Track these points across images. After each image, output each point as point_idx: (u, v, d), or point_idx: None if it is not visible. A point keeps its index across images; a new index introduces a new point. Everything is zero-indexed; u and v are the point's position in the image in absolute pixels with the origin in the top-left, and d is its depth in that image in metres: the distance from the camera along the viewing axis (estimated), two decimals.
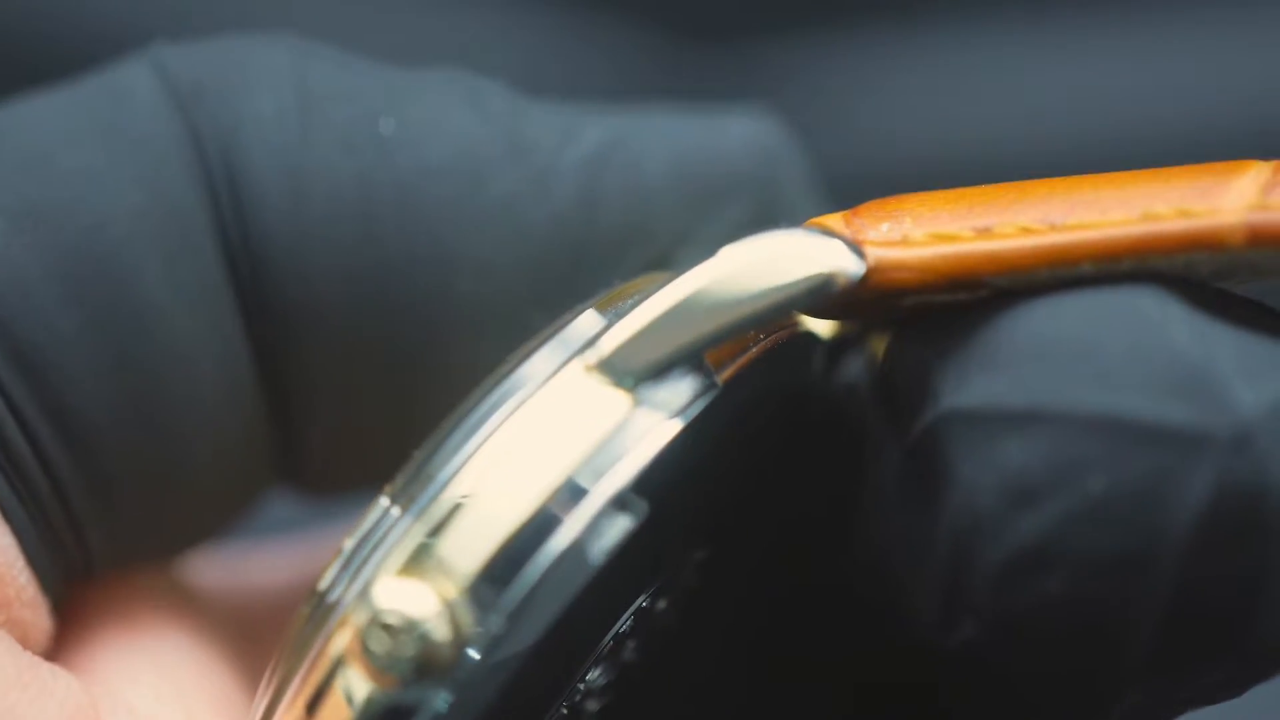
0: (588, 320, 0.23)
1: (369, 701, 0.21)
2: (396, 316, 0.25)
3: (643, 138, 0.26)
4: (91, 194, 0.24)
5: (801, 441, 0.25)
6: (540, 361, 0.22)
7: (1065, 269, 0.22)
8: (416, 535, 0.21)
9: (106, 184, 0.24)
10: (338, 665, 0.22)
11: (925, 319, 0.22)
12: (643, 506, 0.21)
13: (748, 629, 0.26)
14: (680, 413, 0.22)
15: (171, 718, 0.25)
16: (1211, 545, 0.20)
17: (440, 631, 0.21)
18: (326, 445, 0.26)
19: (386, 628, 0.21)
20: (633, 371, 0.22)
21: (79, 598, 0.26)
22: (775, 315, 0.22)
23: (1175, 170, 0.22)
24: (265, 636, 0.28)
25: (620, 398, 0.22)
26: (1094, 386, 0.21)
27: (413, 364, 0.25)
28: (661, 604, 0.24)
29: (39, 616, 0.25)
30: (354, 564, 0.22)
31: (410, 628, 0.21)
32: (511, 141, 0.25)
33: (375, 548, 0.22)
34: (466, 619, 0.21)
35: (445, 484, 0.22)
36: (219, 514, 0.26)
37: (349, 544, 0.22)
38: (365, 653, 0.21)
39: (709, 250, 0.22)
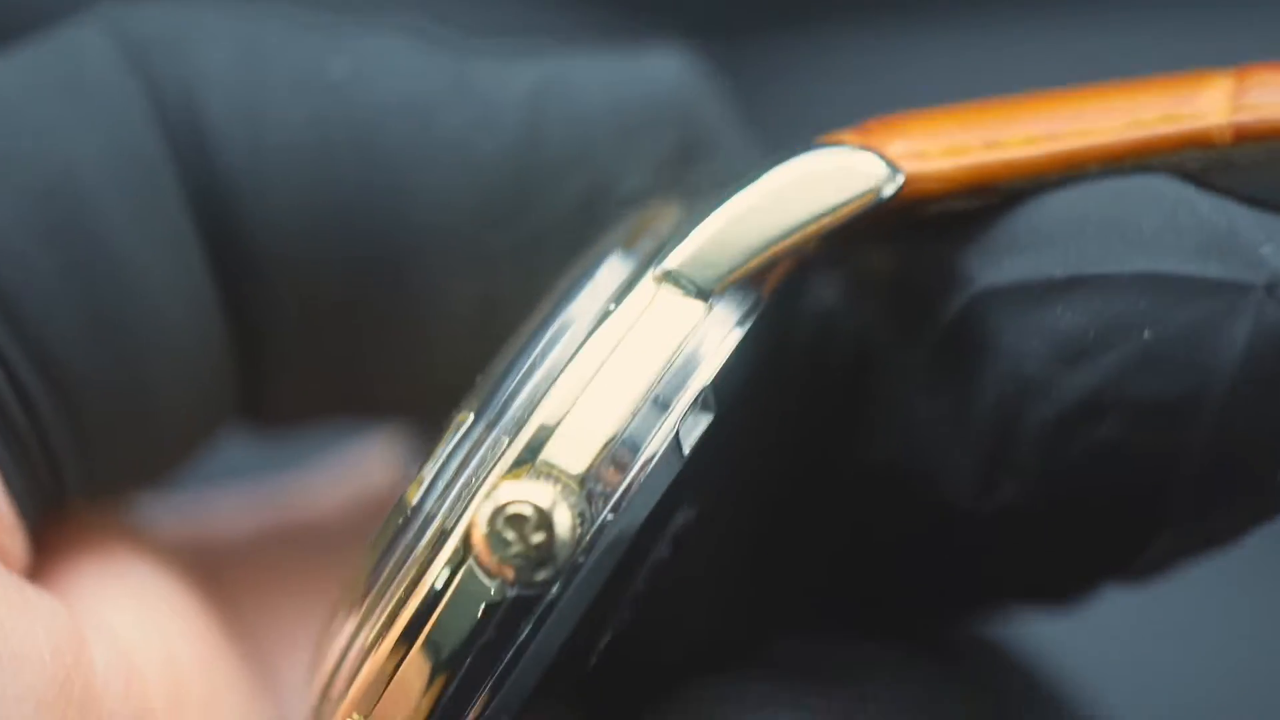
0: (615, 266, 0.24)
1: (493, 598, 0.22)
2: (356, 249, 0.26)
3: (578, 74, 0.27)
4: (57, 143, 0.25)
5: (793, 358, 0.26)
6: (609, 274, 0.24)
7: (1074, 171, 0.24)
8: (523, 440, 0.23)
9: (70, 133, 0.25)
10: (458, 564, 0.23)
11: (936, 224, 0.24)
12: (715, 408, 0.23)
13: (756, 527, 0.27)
14: (741, 322, 0.24)
15: (150, 641, 0.26)
16: (1251, 383, 0.22)
17: (561, 523, 0.22)
18: (289, 379, 0.27)
19: (512, 519, 0.22)
20: (705, 281, 0.23)
21: (52, 532, 0.27)
22: (835, 227, 0.24)
23: (1146, 83, 0.24)
24: (228, 577, 0.30)
25: (694, 306, 0.23)
26: (1133, 252, 0.23)
27: (373, 294, 0.27)
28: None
29: (16, 543, 0.26)
30: (446, 479, 0.23)
31: (535, 519, 0.22)
32: (458, 80, 0.27)
33: (473, 460, 0.23)
34: (581, 511, 0.22)
35: (544, 393, 0.23)
36: (183, 447, 0.27)
37: (431, 466, 0.24)
38: (490, 546, 0.22)
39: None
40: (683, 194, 0.27)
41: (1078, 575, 0.26)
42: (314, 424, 0.29)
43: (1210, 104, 0.24)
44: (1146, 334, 0.23)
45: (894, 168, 0.24)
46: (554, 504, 0.23)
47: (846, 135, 0.25)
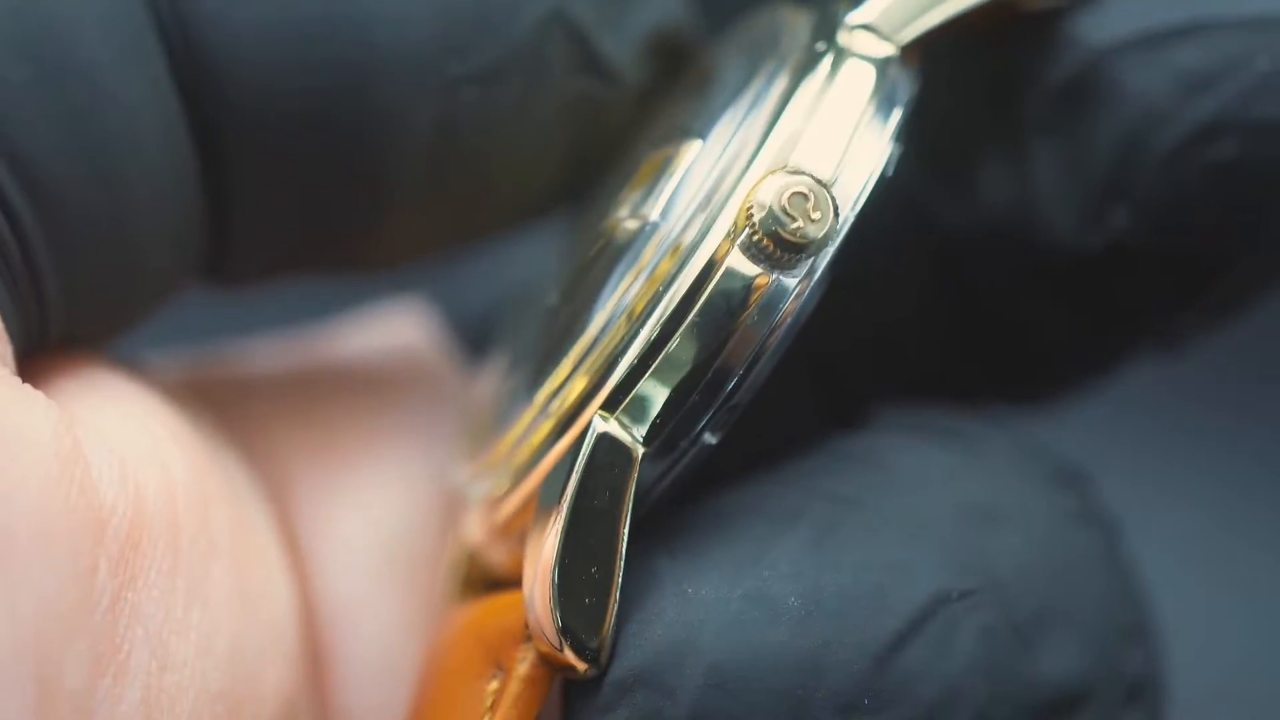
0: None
1: (760, 277, 0.25)
2: (318, 70, 0.27)
3: None
4: None
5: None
6: (802, 33, 0.27)
7: None
8: (773, 146, 0.25)
9: None
10: (722, 251, 0.25)
11: (1023, 22, 0.27)
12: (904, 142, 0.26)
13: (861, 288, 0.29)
14: (914, 79, 0.26)
15: (134, 439, 0.26)
16: None
17: (829, 206, 0.25)
18: (255, 207, 0.28)
19: (794, 197, 0.24)
20: (895, 32, 0.26)
21: (38, 365, 0.27)
22: (989, 4, 0.26)
23: None
24: (253, 408, 0.30)
25: (889, 49, 0.26)
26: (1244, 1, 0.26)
27: (334, 117, 0.27)
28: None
29: (6, 349, 0.26)
30: (693, 191, 0.26)
31: (814, 197, 0.24)
32: None
33: (715, 174, 0.25)
34: (835, 206, 0.25)
35: (779, 114, 0.25)
36: (156, 286, 0.28)
37: (670, 180, 0.26)
38: (767, 224, 0.24)
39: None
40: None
41: (1149, 317, 0.29)
42: (275, 277, 0.30)
43: None
44: (1264, 63, 0.26)
45: None
46: (817, 190, 0.25)
47: None
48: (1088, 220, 0.27)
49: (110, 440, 0.26)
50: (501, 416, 0.28)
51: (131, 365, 0.29)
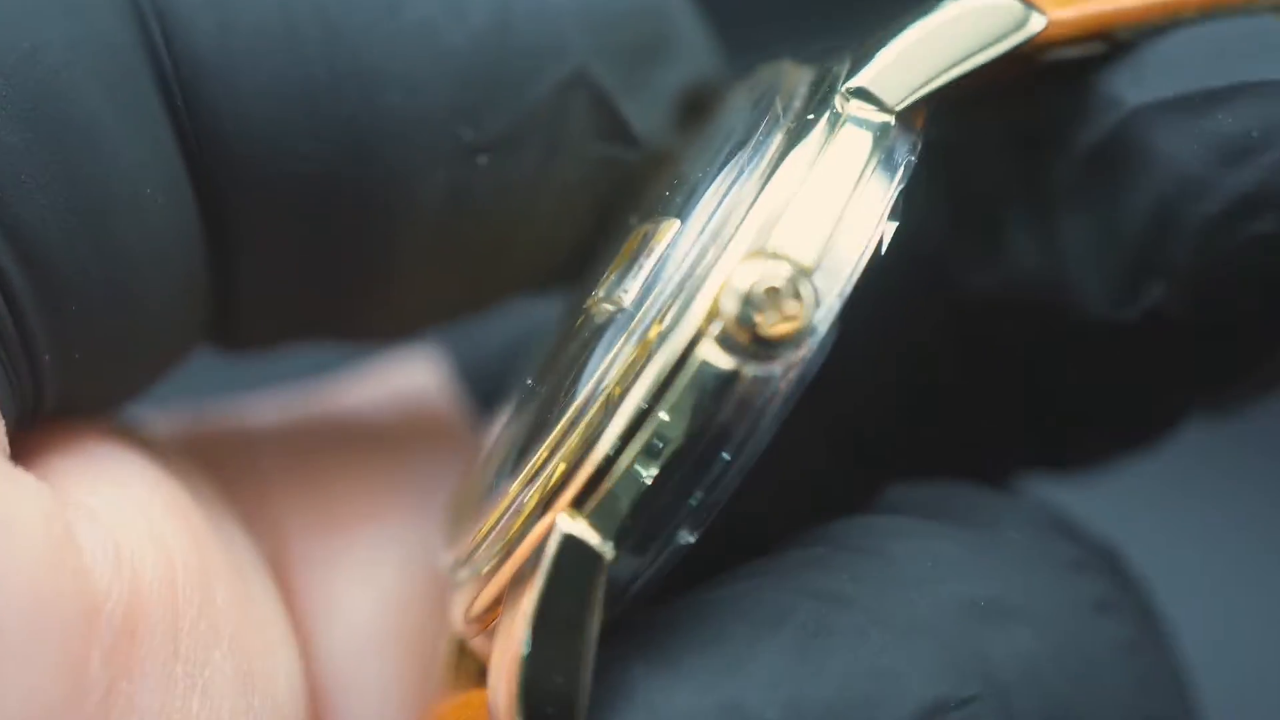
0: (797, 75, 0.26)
1: (733, 373, 0.23)
2: (324, 133, 0.26)
3: None
4: (25, 24, 0.25)
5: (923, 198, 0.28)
6: (798, 96, 0.26)
7: (1175, 17, 0.26)
8: (750, 230, 0.24)
9: (39, 16, 0.25)
10: (693, 344, 0.23)
11: (1047, 73, 0.26)
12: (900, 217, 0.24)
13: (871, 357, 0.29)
14: (915, 144, 0.25)
15: (131, 520, 0.25)
16: None
17: (808, 297, 0.23)
18: (259, 272, 0.27)
19: (768, 292, 0.23)
20: (892, 97, 0.25)
21: (30, 440, 0.26)
22: (998, 60, 0.25)
23: None
24: (259, 466, 0.30)
25: (884, 117, 0.25)
26: None
27: (341, 182, 0.26)
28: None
29: None
30: (668, 276, 0.24)
31: (787, 289, 0.23)
32: None
33: (690, 258, 0.24)
34: (816, 292, 0.23)
35: (759, 193, 0.24)
36: (159, 353, 0.27)
37: (635, 269, 0.25)
38: (740, 318, 0.23)
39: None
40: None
41: (1187, 391, 0.28)
42: (282, 342, 0.29)
43: None
44: None
45: (1038, 9, 0.25)
46: (796, 280, 0.23)
47: None
48: (1121, 292, 0.26)
49: (105, 522, 0.25)
50: (483, 498, 0.26)
51: (129, 427, 0.28)
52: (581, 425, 0.24)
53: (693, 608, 0.24)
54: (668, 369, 0.23)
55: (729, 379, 0.23)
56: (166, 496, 0.26)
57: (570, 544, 0.23)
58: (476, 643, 0.26)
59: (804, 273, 0.23)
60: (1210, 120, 0.25)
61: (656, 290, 0.24)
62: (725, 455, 0.23)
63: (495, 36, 0.26)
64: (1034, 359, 0.28)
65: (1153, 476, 0.36)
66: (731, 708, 0.23)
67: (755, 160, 0.25)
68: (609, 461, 0.23)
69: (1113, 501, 0.32)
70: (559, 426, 0.24)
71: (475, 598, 0.25)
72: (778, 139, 0.25)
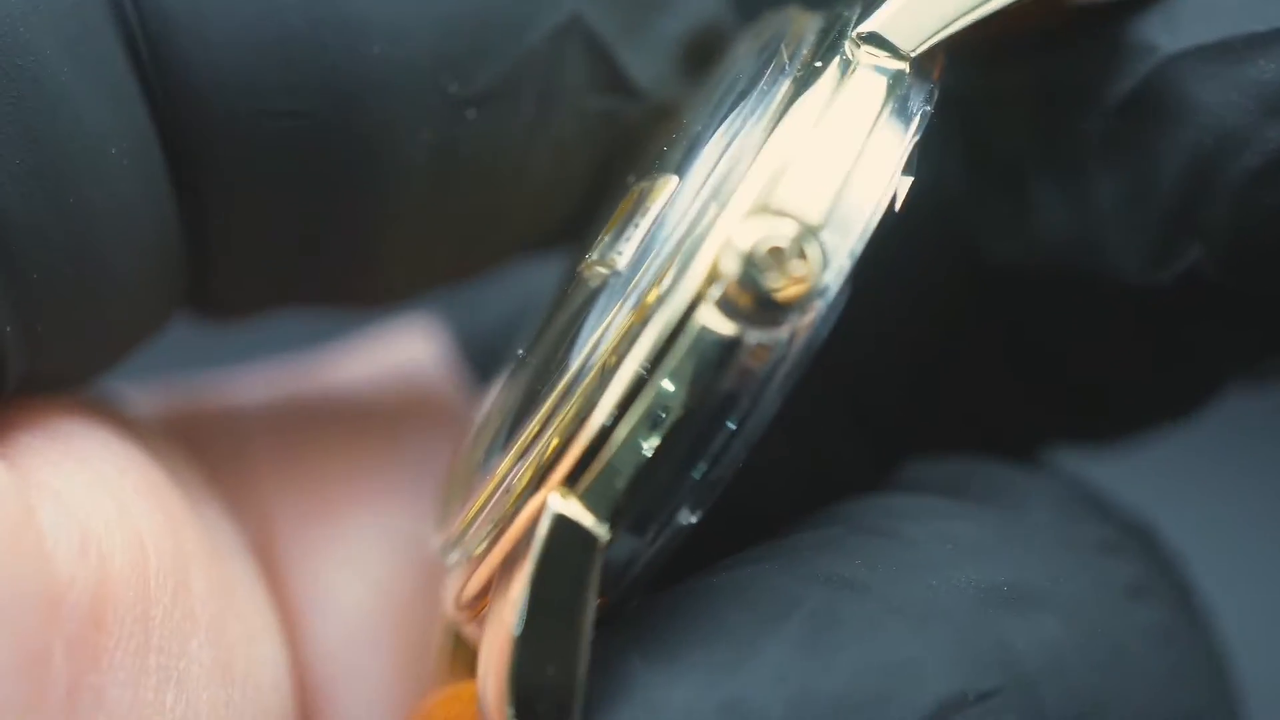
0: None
1: (736, 339, 0.22)
2: (307, 88, 0.25)
3: None
4: None
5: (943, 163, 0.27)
6: (805, 43, 0.24)
7: None
8: (754, 186, 0.22)
9: None
10: (691, 308, 0.22)
11: (1066, 29, 0.25)
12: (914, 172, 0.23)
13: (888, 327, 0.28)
14: (931, 94, 0.23)
15: (99, 503, 0.24)
16: None
17: (814, 256, 0.22)
18: (237, 233, 0.26)
19: (772, 252, 0.22)
20: (906, 43, 0.23)
21: None
22: (1020, 3, 0.24)
23: None
24: (246, 446, 0.29)
25: (898, 65, 0.23)
26: None
27: (322, 136, 0.25)
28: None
29: None
30: (666, 235, 0.23)
31: (792, 248, 0.22)
32: None
33: (689, 216, 0.23)
34: (823, 251, 0.22)
35: (762, 145, 0.23)
36: (131, 327, 0.26)
37: (642, 222, 0.24)
38: (743, 280, 0.22)
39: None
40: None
41: (1226, 361, 0.26)
42: (264, 310, 0.27)
43: None
44: None
45: None
46: (803, 238, 0.22)
47: None
48: (1156, 253, 0.25)
49: (70, 505, 0.24)
50: (474, 475, 0.25)
51: (103, 403, 0.27)
52: (575, 396, 0.22)
53: (695, 594, 0.23)
54: (666, 335, 0.22)
55: (731, 345, 0.22)
56: (139, 477, 0.25)
57: (562, 525, 0.22)
58: (468, 630, 0.24)
59: (811, 231, 0.22)
60: (1251, 67, 0.23)
61: (653, 251, 0.23)
62: (729, 425, 0.22)
63: None
64: (1062, 327, 0.27)
65: (1190, 449, 0.35)
66: (734, 705, 0.22)
67: (759, 111, 0.23)
68: (604, 434, 0.22)
69: (1147, 476, 0.30)
70: (551, 398, 0.23)
71: (466, 582, 0.24)
72: (784, 87, 0.23)
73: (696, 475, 0.22)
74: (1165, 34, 0.24)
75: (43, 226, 0.24)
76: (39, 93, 0.23)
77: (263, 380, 0.30)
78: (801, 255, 0.22)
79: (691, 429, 0.22)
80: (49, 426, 0.25)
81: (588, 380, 0.22)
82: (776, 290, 0.21)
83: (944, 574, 0.23)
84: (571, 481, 0.22)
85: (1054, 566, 0.23)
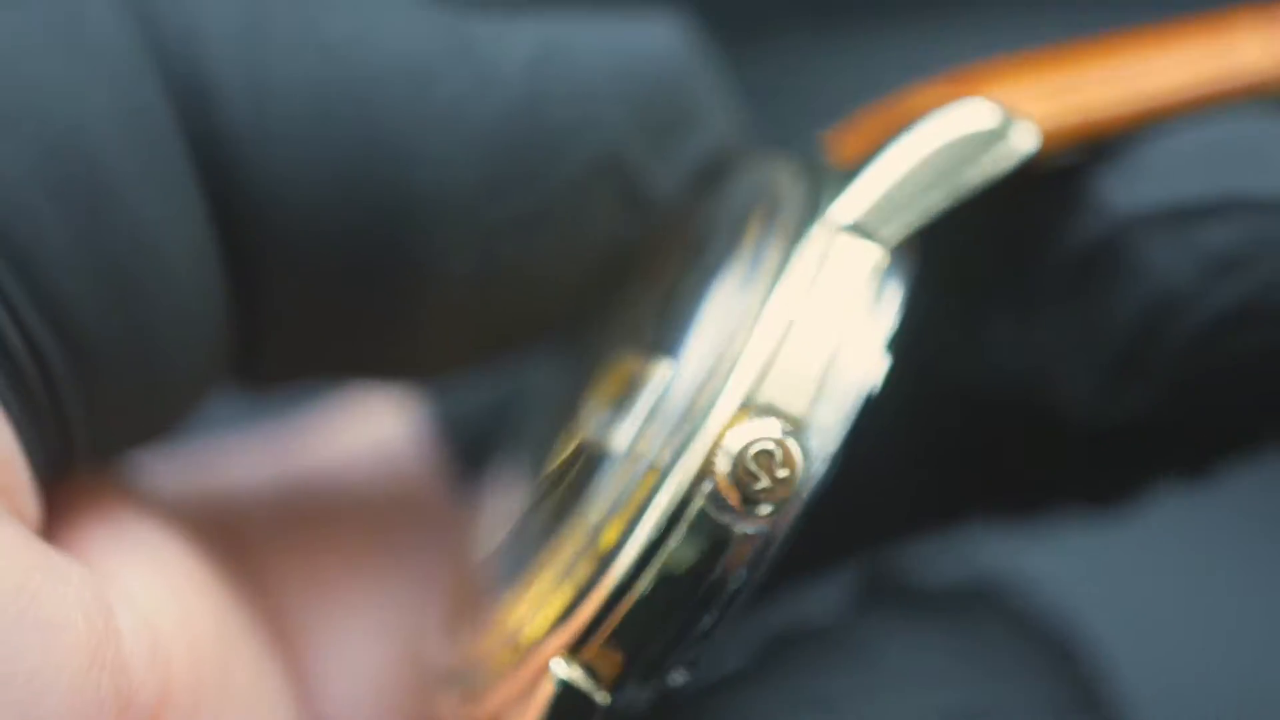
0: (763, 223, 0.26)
1: (726, 533, 0.23)
2: (356, 211, 0.26)
3: (578, 39, 0.27)
4: (62, 98, 0.25)
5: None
6: (784, 224, 0.25)
7: (1158, 120, 0.26)
8: (744, 383, 0.24)
9: (74, 88, 0.25)
10: (685, 503, 0.24)
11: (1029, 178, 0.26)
12: (892, 355, 0.24)
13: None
14: (908, 276, 0.25)
15: (167, 609, 0.25)
16: None
17: (797, 457, 0.23)
18: (284, 342, 0.27)
19: (759, 456, 0.23)
20: (886, 233, 0.25)
21: (59, 498, 0.27)
22: (996, 184, 0.25)
23: (1182, 32, 0.27)
24: (243, 531, 0.30)
25: (876, 253, 0.24)
26: (1275, 175, 0.25)
27: (371, 259, 0.26)
28: None
29: (31, 506, 0.25)
30: (659, 424, 0.24)
31: (780, 455, 0.23)
32: (455, 44, 0.27)
33: (680, 406, 0.24)
34: (805, 448, 0.24)
35: (748, 338, 0.24)
36: (185, 405, 0.27)
37: (630, 412, 0.25)
38: (734, 482, 0.23)
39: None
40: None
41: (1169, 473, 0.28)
42: (304, 381, 0.29)
43: (1258, 49, 0.27)
44: None
45: (1021, 121, 0.25)
46: (789, 441, 0.24)
47: (940, 88, 0.26)
48: (1104, 394, 0.26)
49: (142, 607, 0.25)
50: (481, 600, 0.27)
51: (141, 489, 0.28)
52: (575, 572, 0.24)
53: (701, 712, 0.25)
54: (661, 527, 0.24)
55: (721, 537, 0.23)
56: (193, 573, 0.26)
57: (566, 691, 0.24)
58: None
59: (796, 428, 0.24)
60: (1200, 232, 0.25)
61: (649, 436, 0.25)
62: (720, 603, 0.24)
63: (526, 112, 0.26)
64: (1011, 448, 0.29)
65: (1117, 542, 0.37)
66: None
67: (744, 297, 0.25)
68: (606, 609, 0.24)
69: (1075, 564, 0.32)
70: (554, 569, 0.25)
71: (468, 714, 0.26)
72: (765, 276, 0.25)
73: (688, 648, 0.24)
74: (1122, 194, 0.26)
75: (111, 328, 0.25)
76: (112, 206, 0.25)
77: (252, 457, 0.32)
78: (785, 460, 0.23)
79: (685, 609, 0.24)
80: (113, 519, 0.26)
81: (587, 559, 0.24)
82: (764, 491, 0.23)
83: (911, 696, 0.25)
84: (574, 650, 0.24)
85: (1005, 691, 0.25)
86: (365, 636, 0.29)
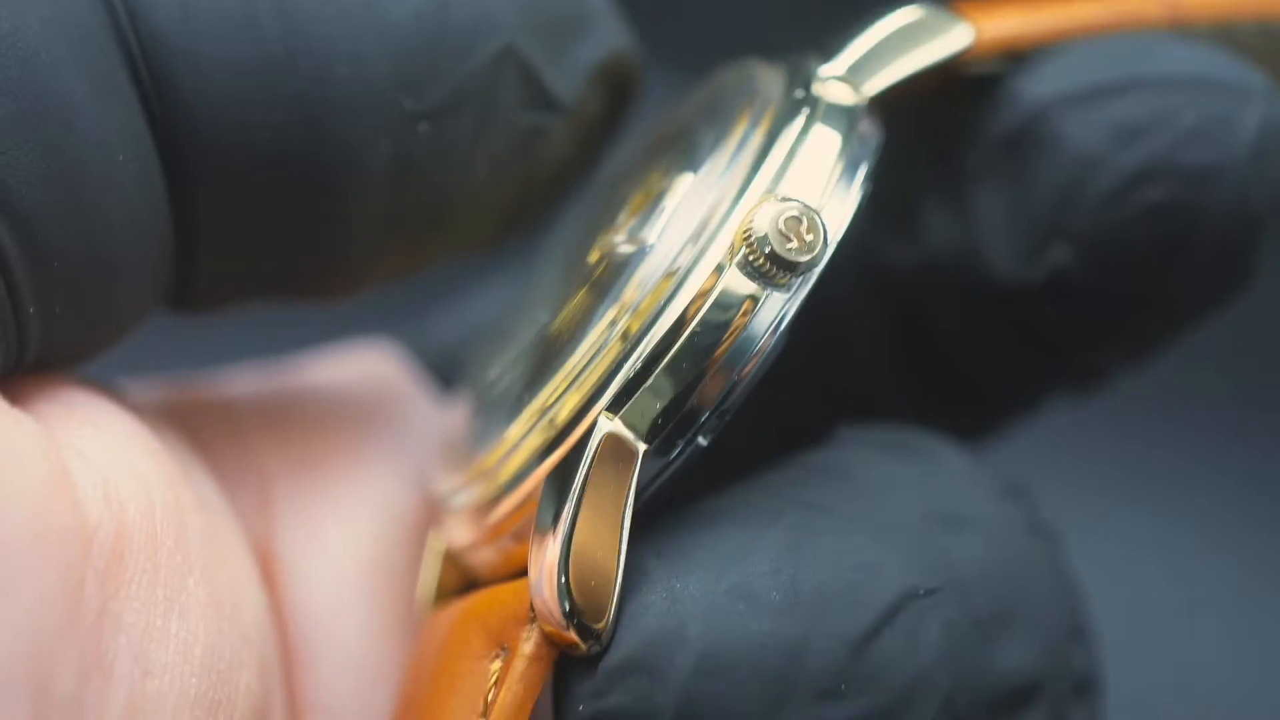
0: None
1: (754, 294, 0.27)
2: (281, 104, 0.28)
3: None
4: (3, 7, 0.27)
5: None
6: (775, 82, 0.29)
7: (1074, 37, 0.30)
8: (766, 176, 0.27)
9: (14, 2, 0.27)
10: (719, 270, 0.27)
11: (960, 83, 0.30)
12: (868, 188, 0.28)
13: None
14: (879, 127, 0.29)
15: (112, 460, 0.27)
16: (1261, 157, 0.29)
17: (818, 228, 0.27)
18: (221, 242, 0.29)
19: (789, 221, 0.27)
20: (869, 85, 0.29)
21: (14, 387, 0.28)
22: (945, 65, 0.29)
23: None
24: (193, 417, 0.32)
25: (860, 99, 0.28)
26: (1172, 62, 0.29)
27: (299, 152, 0.28)
28: None
29: None
30: (688, 217, 0.28)
31: (806, 220, 0.27)
32: None
33: (706, 203, 0.28)
34: (827, 227, 0.27)
35: (768, 149, 0.28)
36: (129, 315, 0.29)
37: (668, 205, 0.28)
38: (762, 245, 0.27)
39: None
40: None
41: (1073, 353, 0.31)
42: (239, 303, 0.31)
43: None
44: (1187, 119, 0.29)
45: (968, 28, 0.30)
46: (812, 214, 0.27)
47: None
48: (1028, 256, 0.30)
49: (92, 460, 0.27)
50: (481, 433, 0.29)
51: (104, 388, 0.30)
52: (610, 345, 0.27)
53: (696, 512, 0.28)
54: (697, 291, 0.27)
55: (752, 299, 0.27)
56: (141, 442, 0.28)
57: (611, 439, 0.27)
58: (484, 553, 0.29)
59: (814, 210, 0.27)
60: (1108, 108, 0.29)
61: (679, 228, 0.28)
62: (745, 367, 0.27)
63: (435, 13, 0.29)
64: (948, 330, 0.32)
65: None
66: (741, 589, 0.26)
67: (753, 131, 0.28)
68: (645, 370, 0.27)
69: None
70: (581, 350, 0.28)
71: (493, 506, 0.28)
72: (768, 117, 0.28)
73: (716, 407, 0.27)
74: (1039, 85, 0.30)
75: (63, 222, 0.27)
76: (58, 107, 0.27)
77: (242, 375, 0.33)
78: (810, 226, 0.27)
79: (714, 368, 0.27)
80: (64, 398, 0.28)
81: (622, 330, 0.27)
82: (792, 252, 0.27)
83: (891, 502, 0.28)
84: (614, 409, 0.27)
85: (973, 501, 0.28)
86: (353, 519, 0.31)
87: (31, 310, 0.27)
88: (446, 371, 0.34)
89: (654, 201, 0.29)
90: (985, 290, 0.30)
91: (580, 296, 0.29)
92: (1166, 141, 0.29)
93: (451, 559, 0.30)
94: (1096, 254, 0.29)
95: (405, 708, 0.29)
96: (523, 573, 0.27)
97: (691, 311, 0.27)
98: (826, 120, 0.28)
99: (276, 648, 0.30)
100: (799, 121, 0.28)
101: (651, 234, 0.28)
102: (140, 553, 0.27)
